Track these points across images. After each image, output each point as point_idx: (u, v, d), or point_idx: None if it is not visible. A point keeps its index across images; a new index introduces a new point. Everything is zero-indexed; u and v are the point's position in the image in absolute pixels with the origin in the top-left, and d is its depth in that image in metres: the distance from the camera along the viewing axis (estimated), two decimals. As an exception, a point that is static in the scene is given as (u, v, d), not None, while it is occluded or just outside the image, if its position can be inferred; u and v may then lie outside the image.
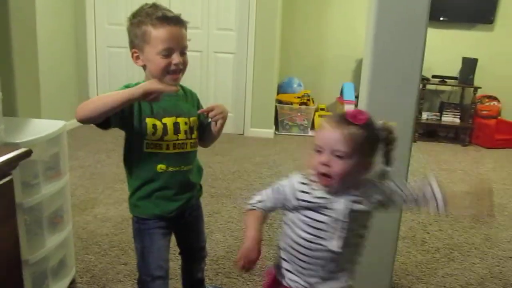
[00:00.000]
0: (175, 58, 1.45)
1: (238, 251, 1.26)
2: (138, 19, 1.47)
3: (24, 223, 1.67)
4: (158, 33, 1.43)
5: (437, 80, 5.28)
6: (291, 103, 5.18)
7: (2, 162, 1.25)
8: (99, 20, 4.89)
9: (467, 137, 5.30)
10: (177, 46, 1.45)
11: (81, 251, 2.35)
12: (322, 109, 5.41)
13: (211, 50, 4.92)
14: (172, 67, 1.46)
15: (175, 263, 2.09)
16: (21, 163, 1.36)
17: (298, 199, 1.24)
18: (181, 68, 1.49)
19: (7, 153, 1.29)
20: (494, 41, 5.30)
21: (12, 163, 1.30)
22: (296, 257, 1.27)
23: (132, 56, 1.51)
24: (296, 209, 1.26)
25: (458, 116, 5.39)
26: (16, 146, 1.40)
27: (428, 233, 2.87)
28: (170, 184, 1.56)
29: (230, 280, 2.18)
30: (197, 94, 1.70)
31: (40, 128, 1.83)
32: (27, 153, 1.35)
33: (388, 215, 1.96)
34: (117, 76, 4.83)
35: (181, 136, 1.53)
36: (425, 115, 5.39)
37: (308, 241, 1.24)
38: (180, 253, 1.87)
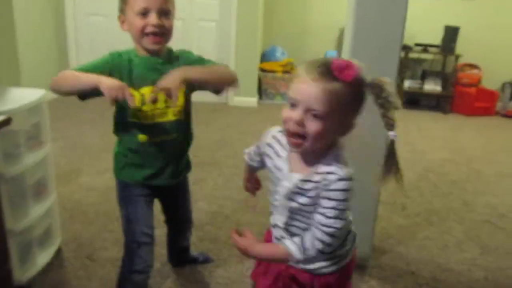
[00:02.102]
0: (152, 19, 1.42)
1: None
2: None
3: (7, 193, 1.66)
4: None
5: (419, 48, 5.29)
6: (275, 72, 5.16)
7: (-17, 131, 1.24)
8: (77, -13, 4.76)
9: (448, 105, 5.36)
10: (155, 6, 1.42)
11: (67, 221, 2.36)
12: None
13: (194, 17, 4.84)
14: (149, 29, 1.43)
15: (160, 230, 2.11)
16: (2, 133, 1.35)
17: (263, 153, 1.21)
18: (163, 31, 1.45)
19: (-13, 122, 1.28)
20: (476, 10, 5.31)
21: (-7, 132, 1.29)
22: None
23: (119, 21, 1.49)
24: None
25: (440, 84, 5.44)
26: (-4, 115, 1.39)
27: (409, 198, 2.94)
28: (152, 154, 1.56)
29: (215, 246, 2.22)
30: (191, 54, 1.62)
31: (20, 97, 1.80)
32: (7, 121, 1.34)
33: (369, 180, 2.00)
34: (97, 44, 4.73)
35: (160, 104, 1.50)
36: (407, 83, 5.43)
37: (270, 211, 1.23)
38: (165, 221, 1.90)
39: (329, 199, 1.05)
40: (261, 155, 1.27)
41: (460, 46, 5.19)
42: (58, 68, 4.81)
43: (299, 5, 5.47)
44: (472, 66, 5.44)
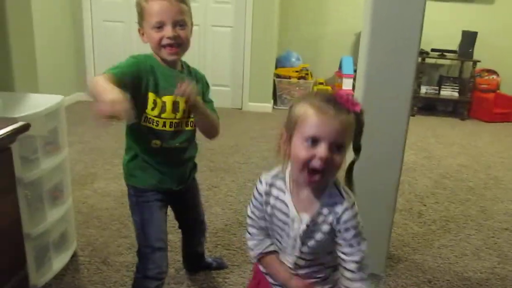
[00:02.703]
0: (167, 31, 1.45)
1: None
2: None
3: (24, 197, 1.68)
4: (149, 7, 1.46)
5: (436, 53, 5.24)
6: (290, 77, 5.15)
7: (1, 135, 1.26)
8: (94, -6, 4.82)
9: (465, 111, 5.29)
10: (169, 19, 1.45)
11: (82, 225, 2.38)
12: (320, 83, 5.39)
13: (208, 23, 4.87)
14: (165, 41, 1.46)
15: (175, 236, 2.12)
16: (20, 138, 1.36)
17: (266, 203, 1.16)
18: (179, 42, 1.48)
19: (5, 127, 1.30)
20: (494, 14, 5.25)
21: (10, 137, 1.31)
22: None
23: (139, 33, 1.53)
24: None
25: (457, 90, 5.37)
26: (13, 120, 1.40)
27: (425, 205, 2.90)
28: (163, 160, 1.58)
29: (229, 252, 2.22)
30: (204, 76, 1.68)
31: (38, 102, 1.83)
32: (25, 127, 1.36)
33: (385, 187, 1.98)
34: (114, 50, 4.78)
35: (179, 115, 1.54)
36: (424, 89, 5.37)
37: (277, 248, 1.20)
38: (179, 227, 1.90)
39: (348, 229, 1.08)
40: (261, 217, 1.20)
41: (478, 51, 5.12)
42: (76, 74, 4.88)
43: (314, 10, 5.46)
44: (490, 72, 5.37)
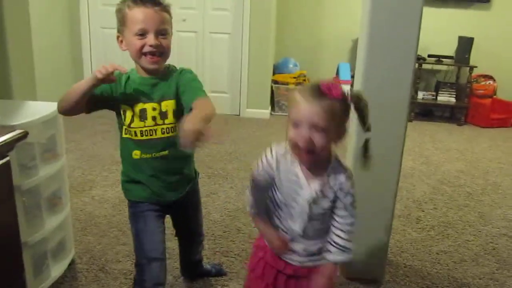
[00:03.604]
0: (150, 39, 1.45)
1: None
2: (119, 3, 1.49)
3: (22, 205, 1.68)
4: (132, 14, 1.45)
5: (433, 59, 5.26)
6: (287, 84, 5.16)
7: (-1, 144, 1.26)
8: (92, 1, 4.82)
9: (462, 117, 5.31)
10: (152, 27, 1.45)
11: (79, 233, 2.37)
12: (318, 90, 5.40)
13: (206, 30, 4.88)
14: (147, 48, 1.45)
15: (173, 243, 2.11)
16: (17, 146, 1.36)
17: (277, 170, 1.29)
18: (160, 51, 1.47)
19: (3, 135, 1.29)
20: (490, 20, 5.28)
21: (8, 145, 1.30)
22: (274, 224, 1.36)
23: (118, 41, 1.53)
24: (274, 183, 1.31)
25: (454, 96, 5.39)
26: (11, 128, 1.40)
27: (423, 211, 2.90)
28: (147, 170, 1.57)
29: (228, 259, 2.21)
30: (193, 72, 1.60)
31: (36, 110, 1.83)
32: (24, 135, 1.36)
33: (383, 193, 1.98)
34: (112, 57, 4.77)
35: (148, 122, 1.51)
36: (421, 95, 5.39)
37: (279, 218, 1.34)
38: (176, 235, 1.89)
39: (347, 195, 1.26)
40: (264, 182, 1.33)
41: (475, 57, 5.15)
42: (73, 81, 4.86)
43: (311, 16, 5.49)
44: (487, 77, 5.40)
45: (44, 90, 3.49)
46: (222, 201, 2.85)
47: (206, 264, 2.09)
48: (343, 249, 1.28)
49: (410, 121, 4.90)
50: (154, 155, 1.55)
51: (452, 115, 5.56)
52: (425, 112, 5.53)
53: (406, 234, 2.58)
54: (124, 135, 1.56)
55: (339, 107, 1.18)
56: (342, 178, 1.26)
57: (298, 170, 1.26)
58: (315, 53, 5.54)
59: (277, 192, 1.31)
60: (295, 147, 1.20)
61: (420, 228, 2.67)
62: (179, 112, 1.52)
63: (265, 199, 1.36)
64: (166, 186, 1.61)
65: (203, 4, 4.81)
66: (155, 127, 1.52)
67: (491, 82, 5.40)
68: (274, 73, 5.26)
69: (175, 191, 1.64)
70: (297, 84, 5.18)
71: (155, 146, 1.54)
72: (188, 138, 1.15)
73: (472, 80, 5.30)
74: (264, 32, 4.82)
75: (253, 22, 4.77)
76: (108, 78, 1.40)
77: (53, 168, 1.88)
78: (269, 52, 4.93)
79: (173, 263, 2.08)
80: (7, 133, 1.32)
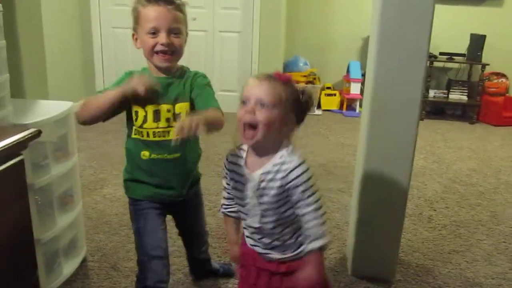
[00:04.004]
0: (161, 38, 1.45)
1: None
2: (135, 1, 1.50)
3: (35, 203, 1.69)
4: (145, 12, 1.46)
5: (444, 57, 5.22)
6: (297, 82, 5.15)
7: (12, 142, 1.27)
8: (103, 1, 4.85)
9: (474, 115, 5.26)
10: (164, 26, 1.45)
11: (91, 231, 2.39)
12: (328, 88, 5.39)
13: (216, 29, 4.89)
14: (159, 47, 1.46)
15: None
16: (30, 144, 1.37)
17: (227, 169, 1.35)
18: (172, 50, 1.48)
19: (16, 134, 1.31)
20: (503, 17, 5.22)
21: (22, 144, 1.32)
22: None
23: (133, 39, 1.54)
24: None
25: (466, 94, 5.34)
26: (25, 127, 1.42)
27: (435, 210, 2.88)
28: (155, 171, 1.57)
29: (238, 258, 2.21)
30: (207, 77, 1.62)
31: (47, 109, 1.84)
32: (37, 134, 1.37)
33: (395, 192, 1.97)
34: (123, 56, 4.81)
35: (162, 124, 1.52)
36: (432, 93, 5.35)
37: (242, 218, 1.39)
38: (178, 235, 1.90)
39: (297, 186, 1.24)
40: (229, 184, 1.39)
41: (487, 55, 5.09)
42: (85, 81, 4.91)
43: (321, 15, 5.47)
44: (499, 75, 5.34)
45: (56, 89, 3.53)
46: (232, 200, 2.85)
47: (215, 263, 2.08)
48: (315, 236, 1.27)
49: (422, 119, 4.86)
50: (166, 156, 1.55)
51: (464, 113, 5.51)
52: (436, 111, 5.49)
53: (417, 233, 2.57)
54: (133, 135, 1.56)
55: (287, 92, 1.24)
56: (286, 166, 1.25)
57: (242, 162, 1.31)
58: (325, 51, 5.52)
59: (234, 190, 1.36)
60: (240, 126, 1.24)
61: (431, 227, 2.65)
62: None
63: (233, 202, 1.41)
64: (170, 187, 1.61)
65: (212, 3, 4.81)
66: (168, 129, 1.53)
67: (503, 80, 5.34)
68: (284, 72, 5.25)
69: (178, 192, 1.64)
70: (307, 82, 5.17)
71: (167, 148, 1.53)
72: (184, 126, 1.26)
73: (484, 78, 5.24)
74: (274, 31, 4.81)
75: (263, 20, 4.77)
76: (142, 90, 1.42)
77: (65, 166, 1.90)
78: (279, 51, 4.92)
79: (184, 261, 2.09)
80: (20, 132, 1.33)
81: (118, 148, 3.67)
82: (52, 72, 3.55)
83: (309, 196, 1.25)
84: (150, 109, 1.51)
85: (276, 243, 1.34)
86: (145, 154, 1.55)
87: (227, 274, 2.07)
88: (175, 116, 1.52)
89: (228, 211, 1.45)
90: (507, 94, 5.34)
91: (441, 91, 5.40)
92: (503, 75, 5.34)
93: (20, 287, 1.38)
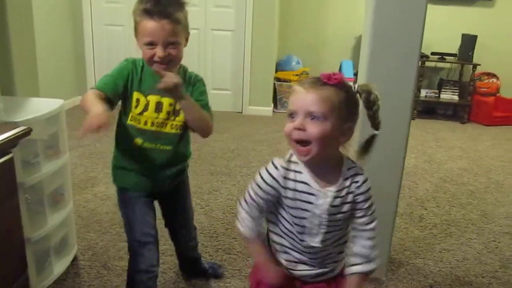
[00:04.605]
0: (158, 52, 1.47)
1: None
2: (134, 6, 1.50)
3: (25, 202, 1.68)
4: (142, 25, 1.47)
5: (436, 57, 5.25)
6: (290, 81, 5.16)
7: (2, 140, 1.26)
8: (95, -2, 4.83)
9: (465, 114, 5.30)
10: (160, 40, 1.46)
11: (82, 229, 2.37)
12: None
13: (208, 27, 4.88)
14: (156, 59, 1.48)
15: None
16: (20, 142, 1.36)
17: (284, 187, 1.16)
18: (169, 59, 1.49)
19: (6, 132, 1.30)
20: (494, 18, 5.25)
21: (12, 142, 1.30)
22: (285, 249, 1.24)
23: (136, 39, 1.54)
24: (281, 201, 1.18)
25: (457, 93, 5.38)
26: (15, 125, 1.40)
27: (426, 209, 2.89)
28: (143, 159, 1.61)
29: (230, 256, 2.21)
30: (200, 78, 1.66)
31: (38, 107, 1.82)
32: (27, 132, 1.36)
33: (386, 191, 1.98)
34: (114, 53, 4.78)
35: (162, 115, 1.56)
36: (423, 92, 5.38)
37: (291, 237, 1.21)
38: (165, 226, 1.90)
39: (366, 200, 1.17)
40: (266, 202, 1.20)
41: (478, 55, 5.12)
42: (76, 78, 4.88)
43: (314, 14, 5.48)
44: (490, 75, 5.38)
45: (47, 87, 3.49)
46: (224, 198, 2.85)
47: (205, 263, 2.07)
48: (369, 258, 1.18)
49: (413, 119, 4.89)
50: (158, 147, 1.59)
51: (455, 113, 5.55)
52: (428, 110, 5.52)
53: (408, 232, 2.58)
54: (128, 122, 1.57)
55: (340, 97, 1.07)
56: (359, 178, 1.16)
57: (307, 178, 1.14)
58: (318, 50, 5.53)
59: (285, 210, 1.18)
60: (290, 142, 1.10)
61: (422, 226, 2.66)
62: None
63: (261, 221, 1.23)
64: (156, 178, 1.65)
65: (205, 1, 4.80)
66: (166, 121, 1.57)
67: (494, 80, 5.38)
68: (276, 71, 5.25)
69: (163, 183, 1.68)
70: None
71: (161, 139, 1.58)
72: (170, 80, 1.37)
73: (475, 78, 5.28)
74: (267, 29, 4.81)
75: (256, 19, 4.77)
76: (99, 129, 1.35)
77: (56, 165, 1.89)
78: (272, 49, 4.92)
79: (175, 259, 2.08)
80: (10, 130, 1.32)
81: (110, 147, 3.64)
82: (43, 70, 3.52)
83: (372, 213, 1.18)
84: (152, 99, 1.54)
85: (324, 261, 1.23)
86: (137, 141, 1.58)
87: (216, 275, 2.05)
88: (175, 112, 1.57)
89: (251, 234, 1.22)
90: (498, 94, 5.38)
91: (433, 90, 5.43)
92: (494, 75, 5.38)
93: (10, 287, 1.37)
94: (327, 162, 1.14)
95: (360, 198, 1.16)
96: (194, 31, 4.83)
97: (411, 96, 1.87)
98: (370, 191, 1.18)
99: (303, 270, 1.24)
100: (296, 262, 1.24)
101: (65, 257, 2.03)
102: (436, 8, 4.95)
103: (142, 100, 1.54)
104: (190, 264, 2.03)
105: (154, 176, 1.64)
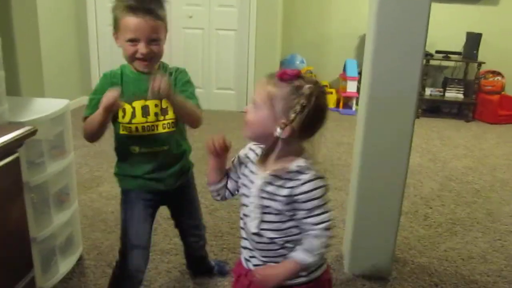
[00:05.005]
0: (141, 48, 1.47)
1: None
2: (115, 3, 1.50)
3: (31, 201, 1.69)
4: (124, 22, 1.47)
5: (440, 55, 5.23)
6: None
7: (8, 140, 1.27)
8: (99, -2, 4.84)
9: (470, 113, 5.28)
10: (143, 36, 1.46)
11: (87, 229, 2.38)
12: (325, 86, 5.38)
13: (212, 27, 4.88)
14: (138, 55, 1.49)
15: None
16: (26, 142, 1.37)
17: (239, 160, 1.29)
18: (151, 56, 1.50)
19: (12, 132, 1.30)
20: (498, 16, 5.23)
21: (17, 142, 1.31)
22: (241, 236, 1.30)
23: (114, 37, 1.55)
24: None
25: (462, 92, 5.36)
26: (20, 125, 1.41)
27: (431, 208, 2.89)
28: (144, 164, 1.61)
29: (235, 255, 2.22)
30: (188, 72, 1.65)
31: (44, 107, 1.84)
32: (32, 132, 1.37)
33: (391, 190, 1.98)
34: (119, 54, 4.76)
35: (151, 118, 1.55)
36: (428, 91, 5.36)
37: (241, 218, 1.28)
38: (175, 226, 1.91)
39: (309, 200, 1.14)
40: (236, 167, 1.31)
41: (483, 53, 5.10)
42: (81, 78, 4.90)
43: (318, 13, 5.47)
44: (495, 73, 5.35)
45: (52, 87, 3.51)
46: (229, 198, 2.85)
47: (211, 261, 2.09)
48: (309, 251, 1.15)
49: (418, 117, 4.88)
50: (154, 149, 1.59)
51: (460, 112, 5.53)
52: (432, 109, 5.50)
53: (413, 231, 2.57)
54: (120, 132, 1.58)
55: (281, 92, 1.11)
56: (300, 177, 1.14)
57: (253, 158, 1.24)
58: (321, 49, 5.53)
59: (241, 186, 1.27)
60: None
61: (427, 225, 2.66)
62: None
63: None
64: (159, 178, 1.64)
65: (209, 0, 4.80)
66: (156, 123, 1.57)
67: (499, 78, 5.35)
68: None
69: (168, 182, 1.67)
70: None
71: (156, 141, 1.58)
72: (159, 83, 1.36)
73: (480, 76, 5.26)
74: (270, 29, 4.81)
75: (260, 18, 4.76)
76: (116, 105, 1.43)
77: (61, 164, 1.89)
78: (275, 49, 4.92)
79: (181, 259, 2.09)
80: (15, 130, 1.32)
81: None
82: (48, 70, 3.54)
83: (317, 215, 1.14)
84: (137, 105, 1.54)
85: (277, 256, 1.22)
86: (134, 149, 1.59)
87: (221, 272, 2.08)
88: (163, 111, 1.56)
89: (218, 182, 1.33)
90: (503, 92, 5.36)
91: (437, 89, 5.41)
92: (499, 73, 5.35)
93: (16, 285, 1.37)
94: (277, 154, 1.17)
95: (301, 197, 1.14)
96: (198, 31, 4.85)
97: (415, 94, 1.86)
98: (315, 193, 1.13)
99: (255, 263, 1.26)
100: (247, 248, 1.28)
101: (70, 256, 2.04)
102: (440, 6, 4.93)
103: (128, 108, 1.54)
104: (198, 262, 2.04)
105: (156, 177, 1.64)
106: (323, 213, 1.14)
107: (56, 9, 4.42)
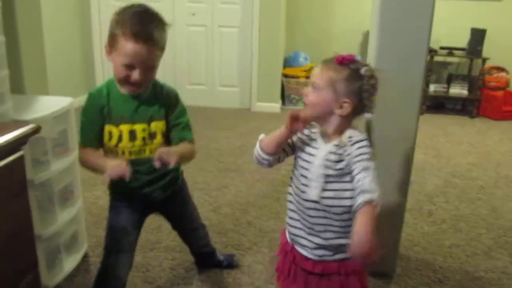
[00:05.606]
0: (135, 75, 1.43)
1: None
2: (119, 17, 1.44)
3: (35, 199, 1.70)
4: (123, 44, 1.40)
5: (445, 51, 5.21)
6: (298, 77, 5.15)
7: (12, 138, 1.27)
8: (102, -4, 4.85)
9: (474, 109, 5.25)
10: (140, 64, 1.42)
11: (92, 226, 2.39)
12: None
13: (215, 24, 4.87)
14: (131, 80, 1.45)
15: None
16: (30, 140, 1.37)
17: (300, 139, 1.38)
18: (142, 82, 1.47)
19: (16, 130, 1.31)
20: (503, 11, 5.20)
21: (21, 140, 1.32)
22: (288, 208, 1.42)
23: (105, 50, 1.48)
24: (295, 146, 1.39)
25: (466, 88, 5.33)
26: (24, 123, 1.42)
27: (435, 204, 2.88)
28: (133, 183, 1.53)
29: (239, 253, 2.22)
30: (179, 95, 1.62)
31: (47, 105, 1.84)
32: (36, 130, 1.37)
33: (395, 187, 1.97)
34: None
35: (138, 142, 1.53)
36: (432, 87, 5.34)
37: (296, 187, 1.37)
38: (172, 229, 1.91)
39: (362, 154, 1.26)
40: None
41: (487, 49, 5.07)
42: (85, 76, 4.91)
43: (321, 10, 5.46)
44: (500, 69, 5.33)
45: (56, 85, 3.52)
46: (232, 195, 2.86)
47: (220, 255, 2.09)
48: (369, 188, 1.23)
49: (422, 114, 4.85)
50: (142, 170, 1.55)
51: (464, 108, 5.51)
52: (436, 105, 5.48)
53: (417, 228, 2.57)
54: (108, 153, 1.56)
55: (339, 74, 1.27)
56: (355, 138, 1.28)
57: (317, 136, 1.34)
58: (325, 46, 5.50)
59: (300, 160, 1.36)
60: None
61: (431, 222, 2.65)
62: (167, 132, 1.57)
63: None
64: (149, 192, 1.63)
65: (212, -3, 4.80)
66: (144, 147, 1.54)
67: (503, 74, 5.33)
68: (284, 67, 5.24)
69: (157, 193, 1.65)
70: (308, 77, 5.16)
71: (143, 164, 1.54)
72: (162, 156, 1.37)
73: (485, 72, 5.23)
74: (274, 26, 4.80)
75: (263, 15, 4.76)
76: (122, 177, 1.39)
77: (65, 162, 1.90)
78: (279, 46, 4.91)
79: (185, 256, 2.09)
80: (20, 128, 1.33)
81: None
82: (52, 68, 3.55)
83: (368, 160, 1.26)
84: (125, 128, 1.51)
85: (323, 231, 1.33)
86: None
87: (230, 265, 2.09)
88: (151, 135, 1.53)
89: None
90: (507, 88, 5.33)
91: (442, 85, 5.39)
92: (503, 69, 5.33)
93: (21, 283, 1.38)
94: (331, 131, 1.31)
95: (356, 152, 1.26)
96: (201, 28, 4.85)
97: (420, 90, 1.86)
98: (366, 148, 1.27)
99: (301, 237, 1.37)
100: (295, 227, 1.39)
101: (75, 254, 2.05)
102: (445, 2, 4.90)
103: (115, 131, 1.51)
104: (206, 258, 2.05)
105: (145, 192, 1.62)
106: (370, 160, 1.27)
107: (60, 7, 4.43)
